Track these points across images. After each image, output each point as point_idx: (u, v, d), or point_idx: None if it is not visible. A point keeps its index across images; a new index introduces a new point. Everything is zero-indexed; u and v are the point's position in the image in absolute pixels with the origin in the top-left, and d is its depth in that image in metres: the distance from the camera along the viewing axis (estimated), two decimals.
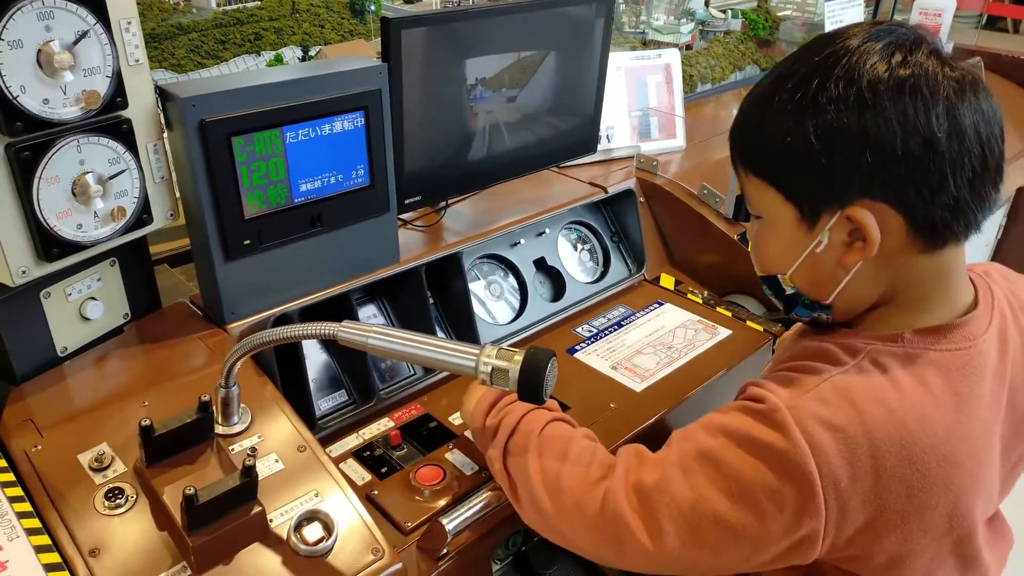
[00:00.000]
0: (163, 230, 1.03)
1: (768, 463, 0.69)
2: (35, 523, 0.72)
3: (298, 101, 1.03)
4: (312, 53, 1.81)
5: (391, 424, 1.15)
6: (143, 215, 0.97)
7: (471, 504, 0.93)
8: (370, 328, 0.79)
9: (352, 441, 1.11)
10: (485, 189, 1.42)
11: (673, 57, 1.78)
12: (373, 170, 1.16)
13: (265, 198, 1.05)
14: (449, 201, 1.40)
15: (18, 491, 0.74)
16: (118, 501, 0.82)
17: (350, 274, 1.20)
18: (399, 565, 0.86)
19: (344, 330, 0.79)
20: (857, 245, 0.72)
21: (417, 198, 1.28)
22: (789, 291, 0.80)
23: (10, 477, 0.77)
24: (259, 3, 1.94)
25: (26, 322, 0.95)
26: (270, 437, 0.93)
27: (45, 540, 0.72)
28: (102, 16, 0.86)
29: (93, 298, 1.02)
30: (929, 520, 0.72)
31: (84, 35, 0.84)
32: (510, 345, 1.35)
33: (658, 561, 0.75)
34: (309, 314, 1.11)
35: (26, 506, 0.74)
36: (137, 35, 0.90)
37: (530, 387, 0.75)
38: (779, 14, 2.87)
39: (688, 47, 2.31)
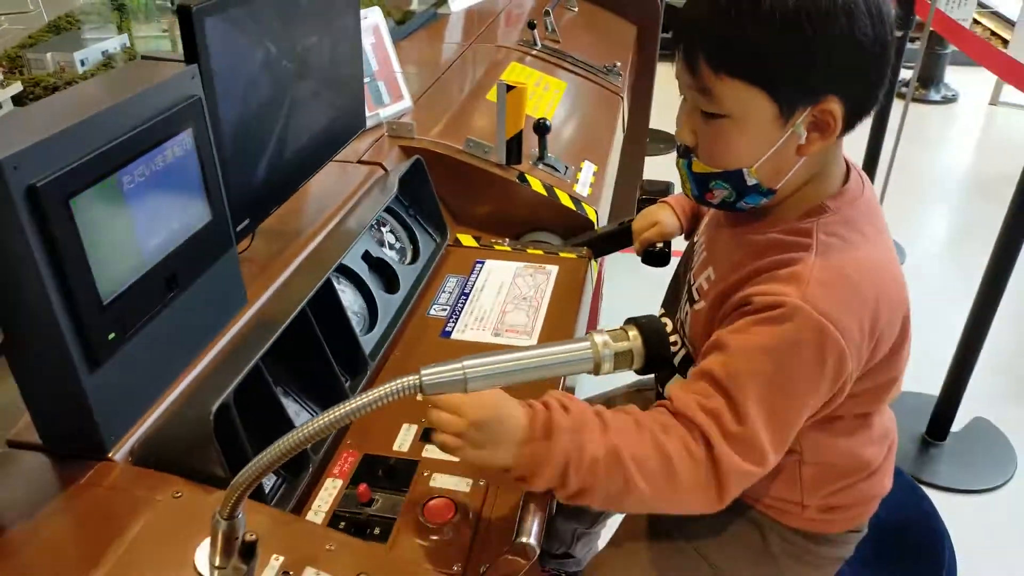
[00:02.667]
0: None
1: (811, 353, 0.78)
2: None
3: (125, 134, 0.77)
4: None
5: (340, 482, 0.97)
6: None
7: (530, 514, 0.85)
8: (458, 365, 0.65)
9: (314, 519, 0.92)
10: (294, 194, 1.23)
11: (379, 16, 1.70)
12: (211, 200, 0.92)
13: (118, 271, 0.78)
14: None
15: None
16: None
17: (210, 332, 0.96)
18: None
19: (430, 376, 0.63)
20: (814, 136, 0.82)
21: (246, 222, 1.06)
22: (751, 182, 0.85)
23: None
24: None
25: None
26: (293, 548, 0.73)
27: None
28: None
29: None
30: (903, 341, 0.88)
31: None
32: (385, 351, 1.23)
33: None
34: (242, 393, 0.86)
35: None
36: None
37: (660, 357, 0.71)
38: None
39: None
